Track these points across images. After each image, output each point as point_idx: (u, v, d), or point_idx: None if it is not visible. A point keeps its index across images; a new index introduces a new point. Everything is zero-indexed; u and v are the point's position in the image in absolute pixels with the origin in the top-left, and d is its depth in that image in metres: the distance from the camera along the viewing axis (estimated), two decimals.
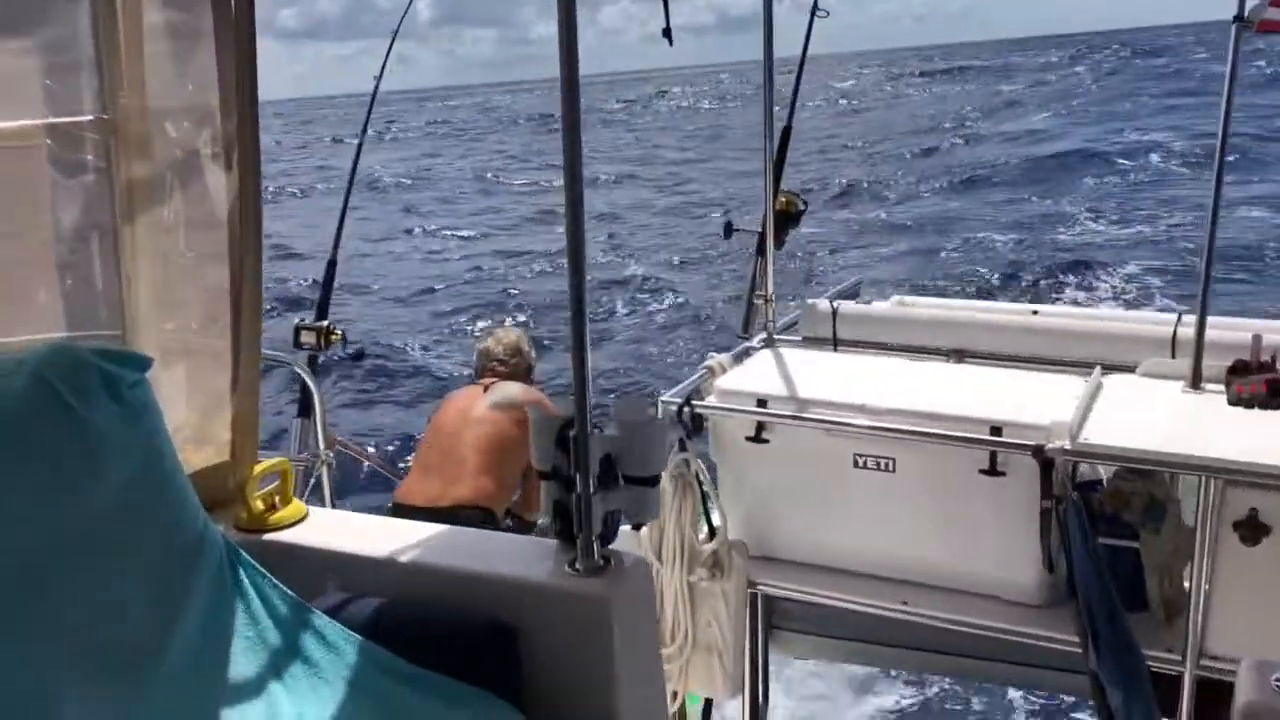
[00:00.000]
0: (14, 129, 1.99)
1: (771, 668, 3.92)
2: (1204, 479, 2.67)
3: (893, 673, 4.98)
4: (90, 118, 2.05)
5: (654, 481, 1.94)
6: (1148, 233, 14.84)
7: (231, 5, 2.00)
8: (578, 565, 1.90)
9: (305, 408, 3.73)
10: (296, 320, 3.85)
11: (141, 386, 1.84)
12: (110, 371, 1.80)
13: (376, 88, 4.73)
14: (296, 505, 2.19)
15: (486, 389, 4.50)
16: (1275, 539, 2.65)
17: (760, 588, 3.35)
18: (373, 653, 1.85)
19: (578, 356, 1.85)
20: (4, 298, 2.01)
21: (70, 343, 1.95)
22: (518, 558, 2.01)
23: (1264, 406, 2.93)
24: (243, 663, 1.83)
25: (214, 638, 1.82)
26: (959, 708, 4.92)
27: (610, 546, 1.96)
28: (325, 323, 3.83)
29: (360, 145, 4.74)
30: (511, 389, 4.51)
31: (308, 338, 3.79)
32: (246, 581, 1.90)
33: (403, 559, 2.04)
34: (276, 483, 2.19)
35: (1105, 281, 12.76)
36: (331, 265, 4.27)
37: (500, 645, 1.87)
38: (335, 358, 4.46)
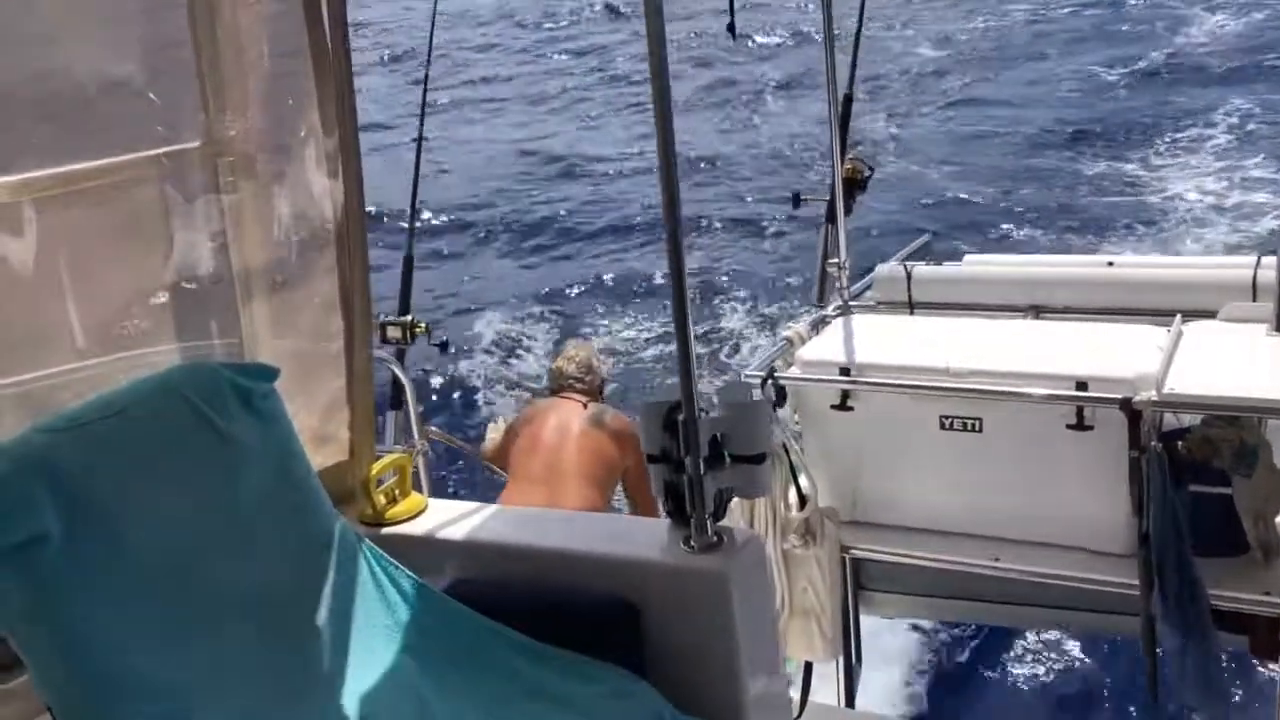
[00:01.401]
0: (128, 161, 2.11)
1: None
2: None
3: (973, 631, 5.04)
4: (198, 144, 2.16)
5: (761, 459, 2.02)
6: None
7: (325, 21, 2.09)
8: (693, 543, 1.98)
9: (397, 401, 3.84)
10: (380, 317, 3.96)
11: (272, 397, 1.95)
12: (242, 385, 1.91)
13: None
14: (416, 498, 2.30)
15: (585, 405, 4.47)
16: None
17: (853, 552, 3.41)
18: (505, 634, 1.95)
19: (682, 341, 1.93)
20: (133, 315, 2.13)
21: (204, 361, 2.07)
22: (634, 538, 2.11)
23: None
24: (383, 650, 1.95)
25: (356, 626, 1.93)
26: (1045, 660, 4.97)
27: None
28: (409, 317, 3.94)
29: (424, 100, 4.69)
30: (607, 411, 4.52)
31: (394, 333, 3.89)
32: (380, 572, 2.02)
33: (522, 543, 2.15)
34: (395, 478, 2.30)
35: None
36: (409, 260, 4.37)
37: (625, 623, 1.97)
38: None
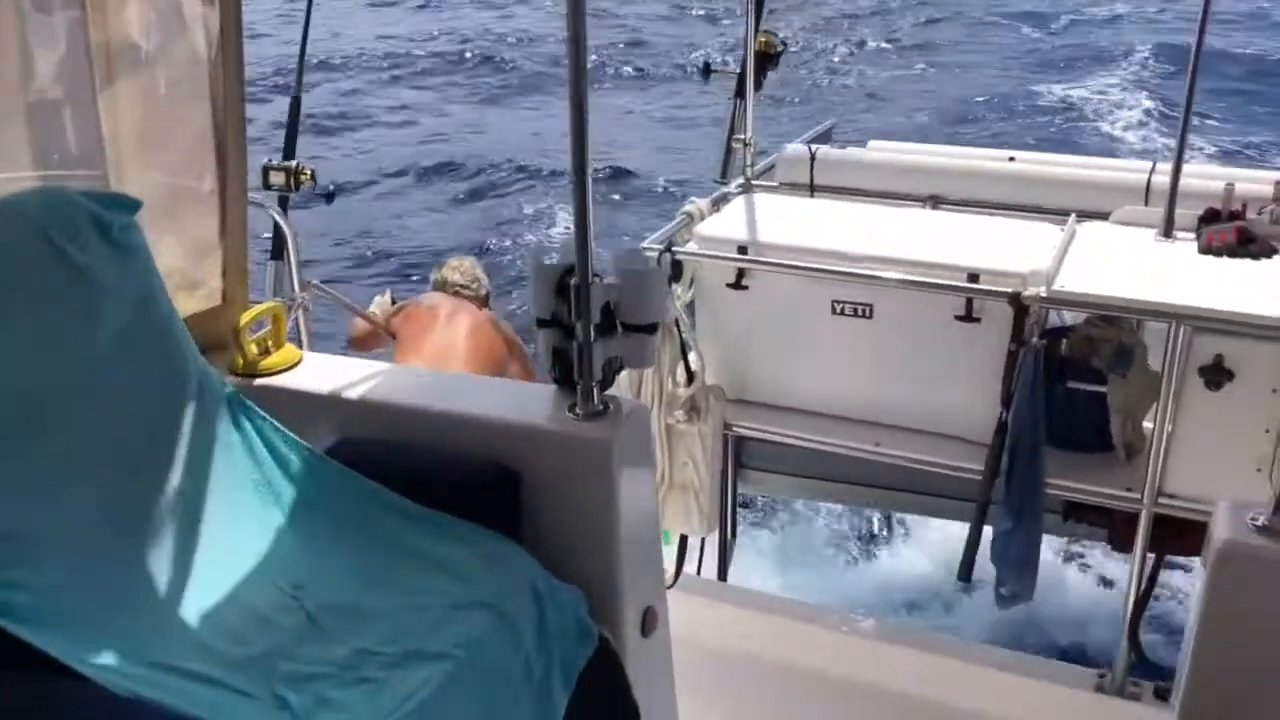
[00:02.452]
0: None
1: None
2: (1172, 325, 2.75)
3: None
4: None
5: (652, 329, 1.97)
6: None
7: None
8: (578, 410, 1.94)
9: (278, 250, 3.66)
10: (264, 160, 3.74)
11: (132, 229, 1.81)
12: (100, 214, 1.76)
13: None
14: (290, 350, 2.20)
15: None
16: (1237, 384, 2.75)
17: (736, 430, 3.43)
18: (378, 493, 1.89)
19: (579, 202, 1.84)
20: None
21: (59, 186, 1.90)
22: (518, 403, 2.05)
23: (1233, 255, 3.00)
24: (249, 503, 1.87)
25: (219, 478, 1.85)
26: (909, 542, 5.18)
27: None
28: (294, 162, 3.72)
29: None
30: (498, 319, 4.57)
31: (276, 178, 3.68)
32: (248, 424, 1.92)
33: (401, 402, 2.07)
34: (268, 328, 2.19)
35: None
36: (296, 101, 4.12)
37: (503, 487, 1.92)
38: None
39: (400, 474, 1.91)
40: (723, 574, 4.14)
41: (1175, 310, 2.74)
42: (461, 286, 4.63)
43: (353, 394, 2.07)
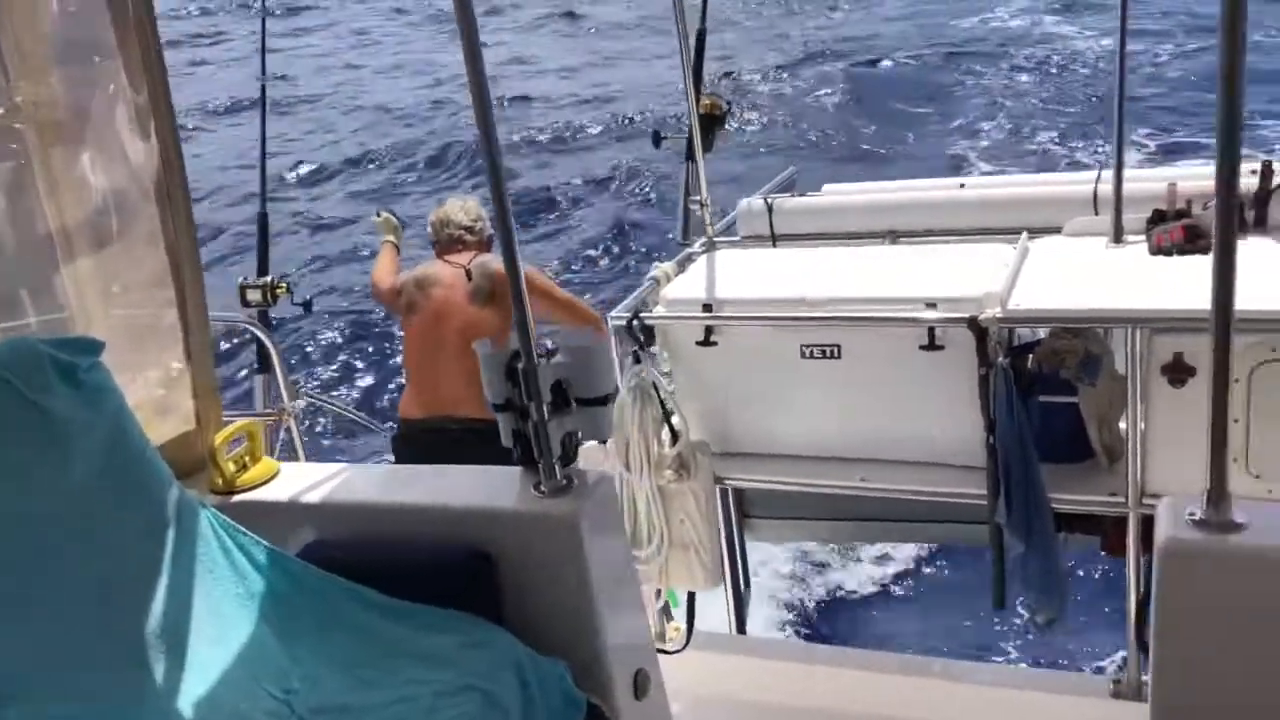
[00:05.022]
0: None
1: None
2: (1130, 329, 2.80)
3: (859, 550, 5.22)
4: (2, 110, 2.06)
5: (605, 401, 2.04)
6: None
7: None
8: (543, 488, 2.00)
9: (264, 364, 3.77)
10: (240, 280, 3.86)
11: (97, 370, 1.89)
12: (63, 359, 1.84)
13: None
14: (267, 463, 2.27)
15: (468, 272, 4.20)
16: (1200, 379, 2.79)
17: (728, 482, 3.48)
18: (361, 594, 1.94)
19: (516, 292, 1.92)
20: None
21: (21, 336, 1.99)
22: (485, 487, 2.11)
23: (1182, 252, 3.06)
24: (236, 619, 1.93)
25: (205, 597, 1.90)
26: (926, 573, 5.18)
27: (575, 465, 2.06)
28: (268, 278, 3.85)
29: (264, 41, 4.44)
30: (490, 264, 4.20)
31: (254, 295, 3.81)
32: (229, 541, 1.98)
33: (373, 501, 2.14)
34: (245, 444, 2.26)
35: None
36: (263, 217, 4.25)
37: (481, 573, 1.98)
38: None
39: (378, 570, 1.97)
40: (741, 627, 4.16)
41: (1130, 315, 2.79)
42: (465, 230, 4.32)
43: (326, 498, 2.14)
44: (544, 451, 1.97)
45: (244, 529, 2.00)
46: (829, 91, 16.08)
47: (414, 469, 2.24)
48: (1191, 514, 1.65)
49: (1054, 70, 16.10)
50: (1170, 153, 10.80)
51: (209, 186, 12.43)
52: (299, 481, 2.22)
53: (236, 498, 2.19)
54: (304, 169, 14.27)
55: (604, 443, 3.38)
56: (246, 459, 2.26)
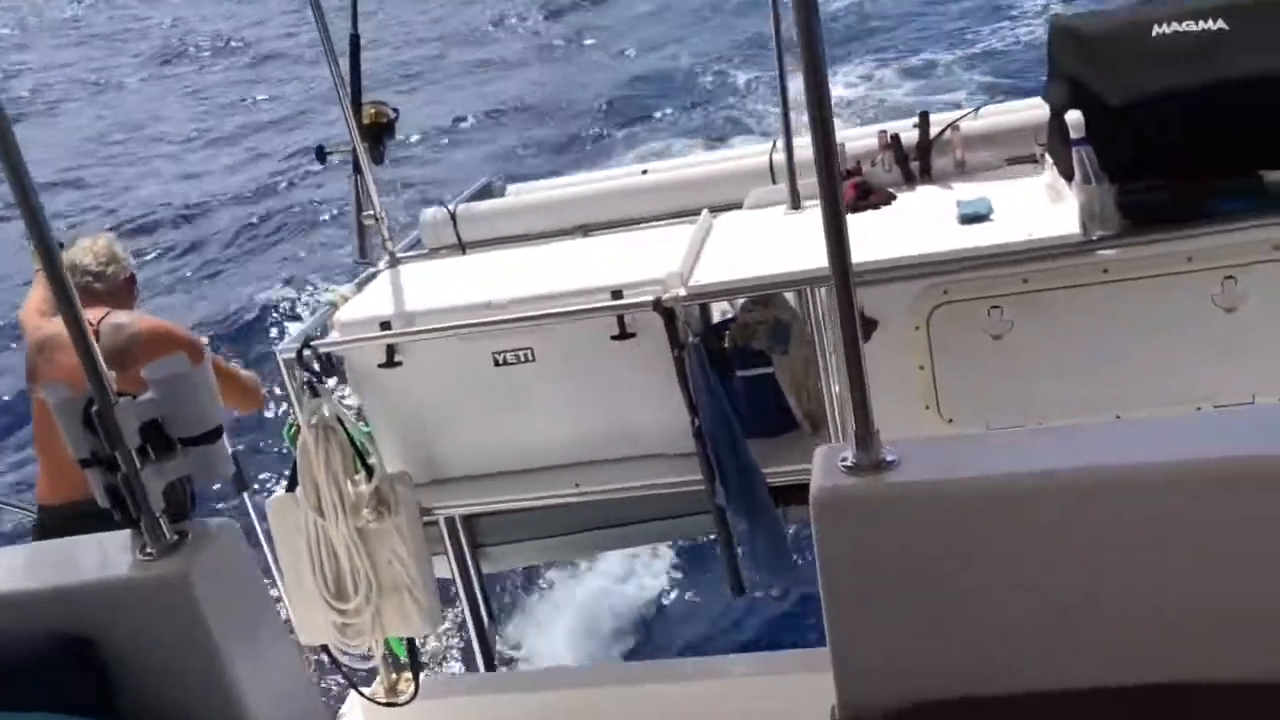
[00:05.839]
0: None
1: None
2: (806, 291, 2.75)
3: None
4: None
5: (214, 436, 1.76)
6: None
7: None
8: (149, 550, 1.70)
9: None
10: None
11: None
12: None
13: None
14: None
15: (96, 333, 3.60)
16: (883, 331, 2.77)
17: (437, 511, 3.23)
18: None
19: (73, 315, 1.62)
20: None
21: None
22: (89, 559, 1.78)
23: (856, 210, 3.04)
24: None
25: None
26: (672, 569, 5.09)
27: (193, 517, 1.77)
28: None
29: None
30: (125, 323, 3.66)
31: None
32: None
33: None
34: None
35: None
36: None
37: (73, 660, 1.65)
38: None
39: None
40: (489, 663, 3.91)
41: (805, 276, 2.74)
42: (93, 277, 3.74)
43: None
44: (142, 507, 1.67)
45: None
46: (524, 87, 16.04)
47: (8, 550, 1.88)
48: (844, 459, 1.54)
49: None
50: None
51: None
52: None
53: None
54: None
55: (292, 489, 3.08)
56: None
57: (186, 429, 1.73)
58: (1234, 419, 2.02)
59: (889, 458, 1.52)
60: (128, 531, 1.76)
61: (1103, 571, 1.43)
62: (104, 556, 1.75)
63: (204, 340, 4.05)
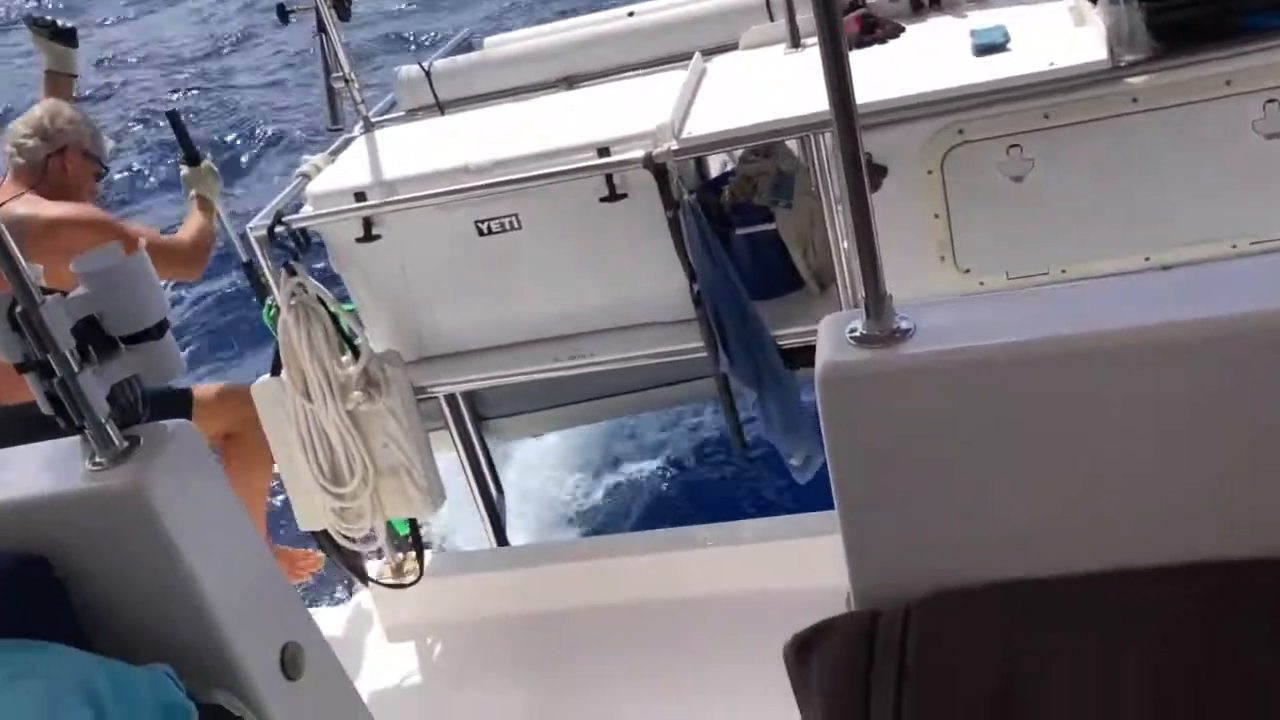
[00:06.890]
0: None
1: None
2: (811, 138, 2.54)
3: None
4: None
5: (160, 331, 1.60)
6: None
7: None
8: (99, 459, 1.56)
9: None
10: None
11: None
12: None
13: None
14: None
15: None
16: (894, 177, 2.56)
17: (431, 390, 3.10)
18: None
19: None
20: None
21: None
22: (35, 471, 1.65)
23: (861, 45, 2.80)
24: None
25: None
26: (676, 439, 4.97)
27: (146, 419, 1.63)
28: None
29: None
30: (25, 212, 3.11)
31: None
32: None
33: None
34: None
35: None
36: None
37: (31, 581, 1.54)
38: None
39: None
40: (500, 538, 3.85)
41: (808, 121, 2.52)
42: (15, 150, 3.25)
43: None
44: (85, 412, 1.53)
45: None
46: None
47: None
48: (852, 330, 1.37)
49: None
50: None
51: None
52: None
53: None
54: None
55: (277, 374, 2.95)
56: None
57: (127, 325, 1.57)
58: None
59: (903, 325, 1.35)
60: (77, 439, 1.63)
61: (1143, 446, 1.28)
62: (51, 467, 1.61)
63: (135, 227, 3.69)
